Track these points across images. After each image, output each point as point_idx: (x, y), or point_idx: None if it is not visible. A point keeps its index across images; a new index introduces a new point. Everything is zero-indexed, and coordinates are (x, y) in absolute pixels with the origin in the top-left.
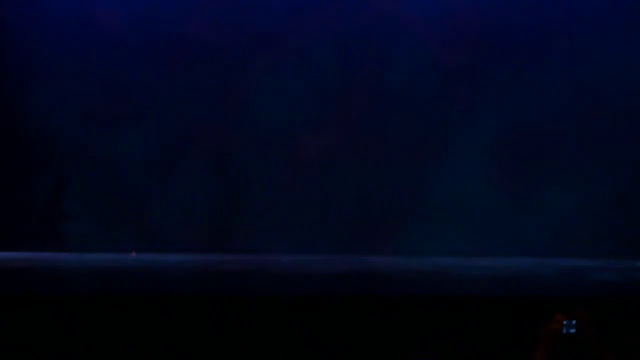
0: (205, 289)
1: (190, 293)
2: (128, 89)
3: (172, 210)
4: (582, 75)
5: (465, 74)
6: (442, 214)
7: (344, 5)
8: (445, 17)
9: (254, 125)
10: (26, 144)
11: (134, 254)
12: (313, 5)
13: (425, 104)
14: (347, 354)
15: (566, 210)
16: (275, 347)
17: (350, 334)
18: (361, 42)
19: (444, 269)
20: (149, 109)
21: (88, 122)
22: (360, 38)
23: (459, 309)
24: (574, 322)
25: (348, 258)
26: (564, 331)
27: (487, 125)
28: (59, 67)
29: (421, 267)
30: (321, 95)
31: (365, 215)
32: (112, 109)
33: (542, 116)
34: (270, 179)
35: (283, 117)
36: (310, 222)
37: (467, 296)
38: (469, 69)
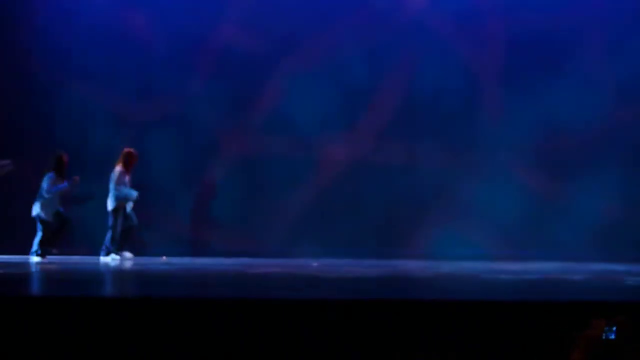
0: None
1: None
2: (158, 92)
3: (200, 214)
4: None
5: (492, 79)
6: (473, 217)
7: (372, 8)
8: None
9: (280, 131)
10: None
11: (164, 258)
12: (338, 11)
13: (458, 107)
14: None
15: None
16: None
17: (381, 336)
18: (389, 47)
19: (473, 273)
20: (179, 112)
21: (118, 125)
22: (387, 43)
23: (489, 313)
24: (614, 327)
25: (377, 262)
26: (604, 337)
27: (514, 129)
28: (92, 73)
29: (450, 271)
30: (349, 99)
31: (394, 219)
32: (142, 111)
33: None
34: (298, 181)
35: (310, 123)
36: (338, 226)
37: (500, 301)
38: (494, 74)
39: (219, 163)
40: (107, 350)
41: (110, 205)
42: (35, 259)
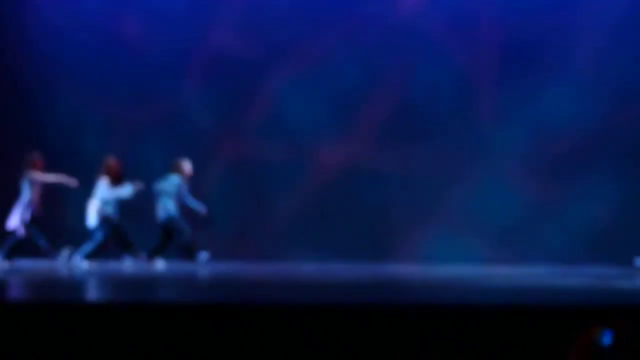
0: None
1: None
2: (152, 97)
3: (195, 216)
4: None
5: (486, 84)
6: (467, 220)
7: (366, 13)
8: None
9: (275, 136)
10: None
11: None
12: (332, 15)
13: (452, 111)
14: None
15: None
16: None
17: (372, 341)
18: (383, 51)
19: (464, 277)
20: (172, 117)
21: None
22: (382, 47)
23: (483, 318)
24: (610, 332)
25: (369, 266)
26: (599, 342)
27: (508, 133)
28: (86, 77)
29: (444, 274)
30: (343, 104)
31: (389, 223)
32: (136, 116)
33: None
34: (292, 185)
35: (305, 127)
36: (332, 230)
37: (491, 305)
38: (488, 79)
39: (213, 167)
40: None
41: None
42: (80, 264)
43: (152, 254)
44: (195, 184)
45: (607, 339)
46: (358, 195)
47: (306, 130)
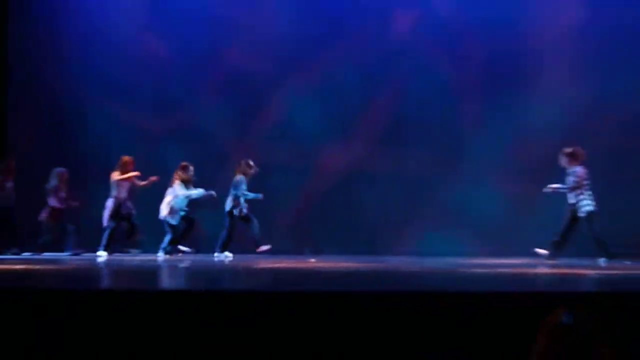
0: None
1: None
2: (174, 108)
3: (212, 214)
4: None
5: (470, 96)
6: (454, 218)
7: (364, 34)
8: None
9: (283, 142)
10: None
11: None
12: (334, 36)
13: (440, 120)
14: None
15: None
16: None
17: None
18: (379, 67)
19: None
20: (192, 125)
21: (134, 138)
22: (378, 64)
23: (467, 303)
24: (572, 314)
25: (369, 258)
26: (564, 322)
27: (490, 139)
28: (117, 90)
29: (433, 266)
30: (343, 114)
31: (385, 220)
32: (160, 125)
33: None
34: (297, 185)
35: (310, 134)
36: (333, 226)
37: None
38: (472, 90)
39: (228, 169)
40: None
41: (228, 206)
42: (163, 255)
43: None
44: (211, 184)
45: (567, 319)
46: (356, 194)
47: (310, 136)
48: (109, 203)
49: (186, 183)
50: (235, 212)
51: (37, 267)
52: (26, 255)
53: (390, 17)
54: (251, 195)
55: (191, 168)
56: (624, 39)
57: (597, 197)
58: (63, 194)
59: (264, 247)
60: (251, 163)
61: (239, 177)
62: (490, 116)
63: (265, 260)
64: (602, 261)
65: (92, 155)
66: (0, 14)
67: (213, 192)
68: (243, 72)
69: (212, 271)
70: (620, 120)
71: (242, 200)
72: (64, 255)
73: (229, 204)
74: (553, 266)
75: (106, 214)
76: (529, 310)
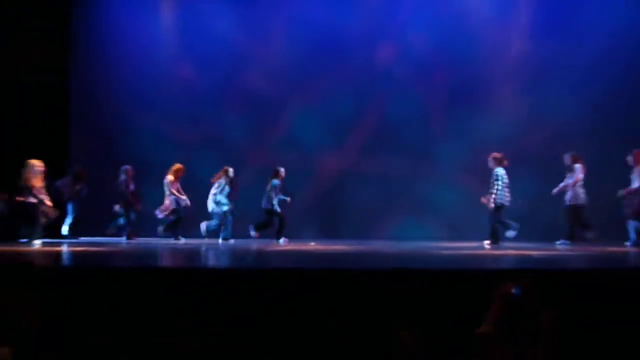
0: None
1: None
2: (201, 121)
3: (232, 209)
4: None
5: (440, 111)
6: (425, 209)
7: (355, 62)
8: (429, 71)
9: (290, 149)
10: (129, 163)
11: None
12: (331, 64)
13: (415, 131)
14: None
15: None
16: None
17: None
18: (367, 89)
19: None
20: (216, 136)
21: (170, 147)
22: (366, 86)
23: (436, 279)
24: (520, 287)
25: (358, 242)
26: (513, 293)
27: (456, 146)
28: (153, 106)
29: (409, 248)
30: (338, 126)
31: (371, 211)
32: (190, 136)
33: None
34: (302, 185)
35: (311, 143)
36: (330, 217)
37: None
38: (440, 108)
39: (244, 173)
40: None
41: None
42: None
43: (273, 233)
44: (233, 184)
45: (516, 290)
46: (348, 191)
47: (311, 145)
48: (167, 200)
49: (227, 183)
50: (276, 208)
51: (107, 249)
52: (96, 239)
53: (375, 49)
54: (281, 196)
55: (231, 170)
56: (558, 66)
57: (535, 189)
58: (132, 187)
59: (254, 233)
60: (281, 170)
61: (275, 180)
62: (454, 128)
63: (273, 243)
64: (485, 243)
65: (136, 161)
66: (62, 47)
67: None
68: (257, 92)
69: (238, 252)
70: (553, 130)
71: (275, 198)
72: (121, 239)
73: (269, 201)
74: (505, 248)
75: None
76: (486, 284)
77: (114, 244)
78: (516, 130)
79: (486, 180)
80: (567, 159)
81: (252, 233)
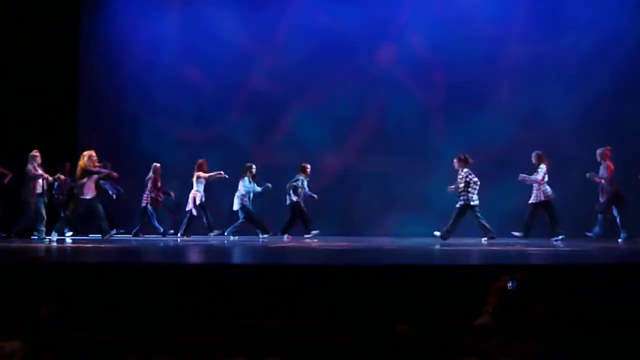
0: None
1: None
2: (208, 122)
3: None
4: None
5: (437, 112)
6: (424, 207)
7: (356, 63)
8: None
9: (292, 148)
10: (137, 162)
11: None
12: (332, 66)
13: (415, 131)
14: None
15: (506, 203)
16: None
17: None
18: (367, 90)
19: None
20: (222, 136)
21: (178, 146)
22: (366, 87)
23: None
24: (515, 280)
25: (358, 238)
26: (509, 286)
27: (452, 146)
28: (162, 108)
29: (409, 244)
30: (338, 127)
31: (371, 209)
32: (197, 136)
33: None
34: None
35: (313, 142)
36: (331, 214)
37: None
38: (438, 109)
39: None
40: None
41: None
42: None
43: (284, 230)
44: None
45: (512, 285)
46: (348, 189)
47: (312, 145)
48: (194, 196)
49: (251, 179)
50: (301, 203)
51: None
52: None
53: (375, 50)
54: (308, 192)
55: (254, 166)
56: (552, 68)
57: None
58: (159, 184)
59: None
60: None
61: (300, 176)
62: (452, 129)
63: (276, 241)
64: (483, 240)
65: (145, 160)
66: (73, 49)
67: (269, 185)
68: (260, 94)
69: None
70: (551, 129)
71: (292, 194)
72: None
73: (291, 195)
74: (501, 244)
75: (190, 204)
76: (483, 277)
77: (124, 241)
78: (514, 130)
79: (485, 179)
80: (533, 157)
81: (285, 238)
